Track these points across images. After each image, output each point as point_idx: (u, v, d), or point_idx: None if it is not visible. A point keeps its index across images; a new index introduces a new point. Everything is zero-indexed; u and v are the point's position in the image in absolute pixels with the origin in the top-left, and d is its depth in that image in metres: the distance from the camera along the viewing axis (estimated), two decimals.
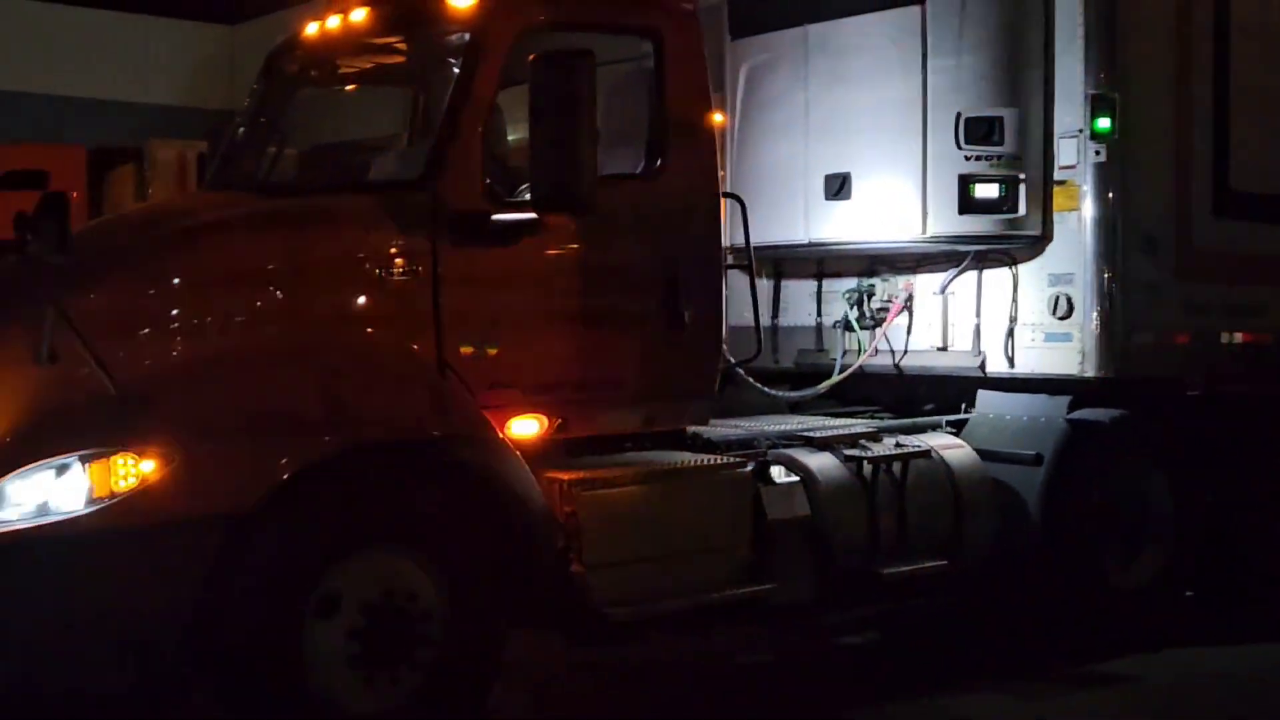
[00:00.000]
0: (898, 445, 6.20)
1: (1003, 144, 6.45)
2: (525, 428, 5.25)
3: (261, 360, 4.73)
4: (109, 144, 20.48)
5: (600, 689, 5.94)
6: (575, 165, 4.83)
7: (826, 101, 6.67)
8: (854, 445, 6.10)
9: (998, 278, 6.75)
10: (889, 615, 6.66)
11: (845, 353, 7.02)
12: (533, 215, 5.07)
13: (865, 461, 5.99)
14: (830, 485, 5.85)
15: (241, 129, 6.14)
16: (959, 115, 6.41)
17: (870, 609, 6.36)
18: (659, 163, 5.52)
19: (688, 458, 5.65)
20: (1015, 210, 6.48)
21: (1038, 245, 6.61)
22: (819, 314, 7.28)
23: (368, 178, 5.56)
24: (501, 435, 5.09)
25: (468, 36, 5.29)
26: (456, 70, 5.30)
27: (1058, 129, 6.53)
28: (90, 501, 4.40)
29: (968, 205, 6.44)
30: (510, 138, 5.58)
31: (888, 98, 6.52)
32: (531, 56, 4.88)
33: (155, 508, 4.40)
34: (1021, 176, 6.48)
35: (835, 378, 6.89)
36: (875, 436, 6.27)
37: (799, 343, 7.33)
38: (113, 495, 4.40)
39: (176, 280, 4.74)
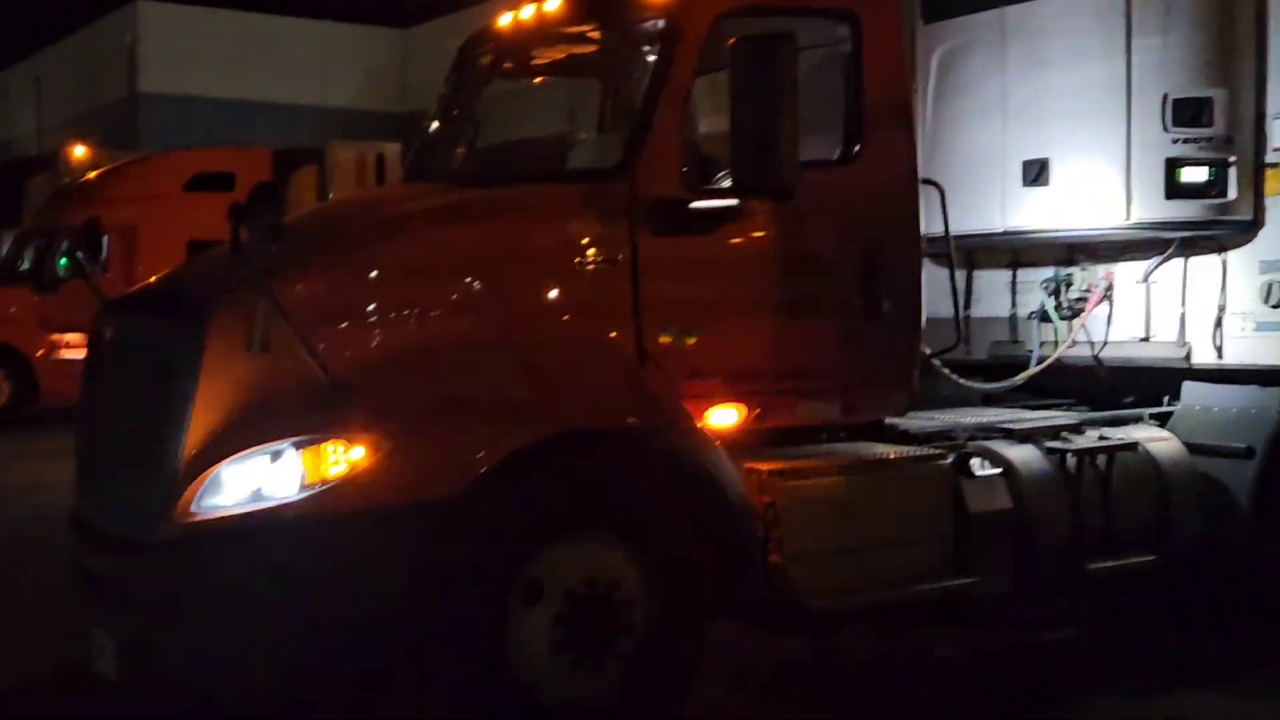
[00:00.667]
0: (1101, 438, 6.02)
1: (1212, 126, 6.19)
2: (724, 417, 5.22)
3: (466, 348, 4.78)
4: (291, 146, 21.09)
5: (796, 682, 5.86)
6: (777, 151, 4.78)
7: (1025, 85, 6.50)
8: (1056, 438, 5.95)
9: (1204, 265, 6.49)
10: (1090, 611, 6.44)
11: (1042, 344, 6.84)
12: (732, 202, 5.04)
13: (1069, 454, 5.82)
14: (1033, 478, 5.70)
15: (435, 122, 6.23)
16: (1166, 97, 6.18)
17: (1072, 604, 6.15)
18: (856, 148, 5.44)
19: (887, 449, 5.56)
20: (1225, 194, 6.23)
21: (1249, 231, 6.33)
22: (1013, 304, 7.10)
23: (565, 168, 5.58)
24: (701, 425, 5.07)
25: (664, 23, 5.27)
26: (652, 58, 5.30)
27: (1270, 110, 6.25)
28: (303, 488, 4.50)
29: (1174, 190, 6.20)
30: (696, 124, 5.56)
31: (1089, 80, 6.32)
32: (732, 41, 4.84)
33: (365, 494, 4.49)
34: (1232, 159, 6.22)
35: (1033, 369, 6.71)
36: (1077, 429, 6.10)
37: (992, 334, 7.16)
38: (324, 482, 4.49)
39: (383, 270, 4.82)
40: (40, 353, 18.35)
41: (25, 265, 19.19)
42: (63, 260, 17.96)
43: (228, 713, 4.83)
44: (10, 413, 18.14)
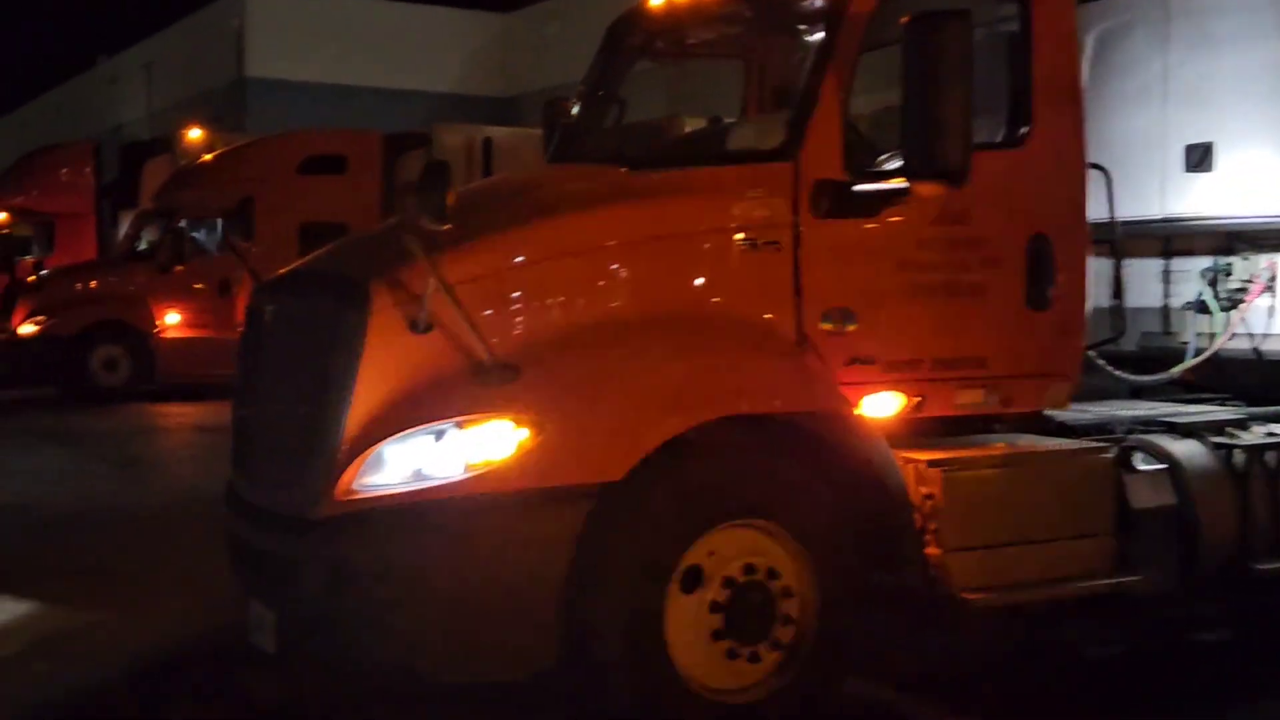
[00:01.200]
0: (1270, 434, 5.82)
1: None
2: (881, 405, 5.11)
3: (629, 330, 4.72)
4: (401, 130, 21.23)
5: (942, 677, 5.74)
6: (950, 132, 4.65)
7: (1189, 66, 6.31)
8: (1221, 433, 5.76)
9: None
10: (1252, 611, 6.24)
11: (1197, 335, 6.64)
12: (898, 185, 4.92)
13: (1236, 450, 5.63)
14: (1199, 474, 5.52)
15: (581, 103, 6.17)
16: None
17: (1234, 603, 5.96)
18: (1023, 131, 5.29)
19: (1048, 442, 5.41)
20: None
21: None
22: (1166, 294, 6.90)
23: (725, 149, 5.49)
24: (860, 412, 4.98)
25: (828, 1, 5.17)
26: (814, 36, 5.20)
27: None
28: (466, 468, 4.48)
29: None
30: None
31: (1259, 61, 6.11)
32: (906, 18, 4.72)
33: (528, 475, 4.45)
34: None
35: (1189, 361, 6.52)
36: (1243, 424, 5.90)
37: (1142, 325, 6.96)
38: (488, 462, 4.46)
39: (548, 249, 4.77)
40: (157, 331, 18.68)
41: (143, 245, 19.54)
42: None
43: (387, 690, 4.83)
44: (128, 389, 18.47)
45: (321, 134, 20.98)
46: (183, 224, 19.01)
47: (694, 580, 4.63)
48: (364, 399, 4.61)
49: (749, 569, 4.70)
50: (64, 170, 22.77)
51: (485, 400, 4.53)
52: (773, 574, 4.74)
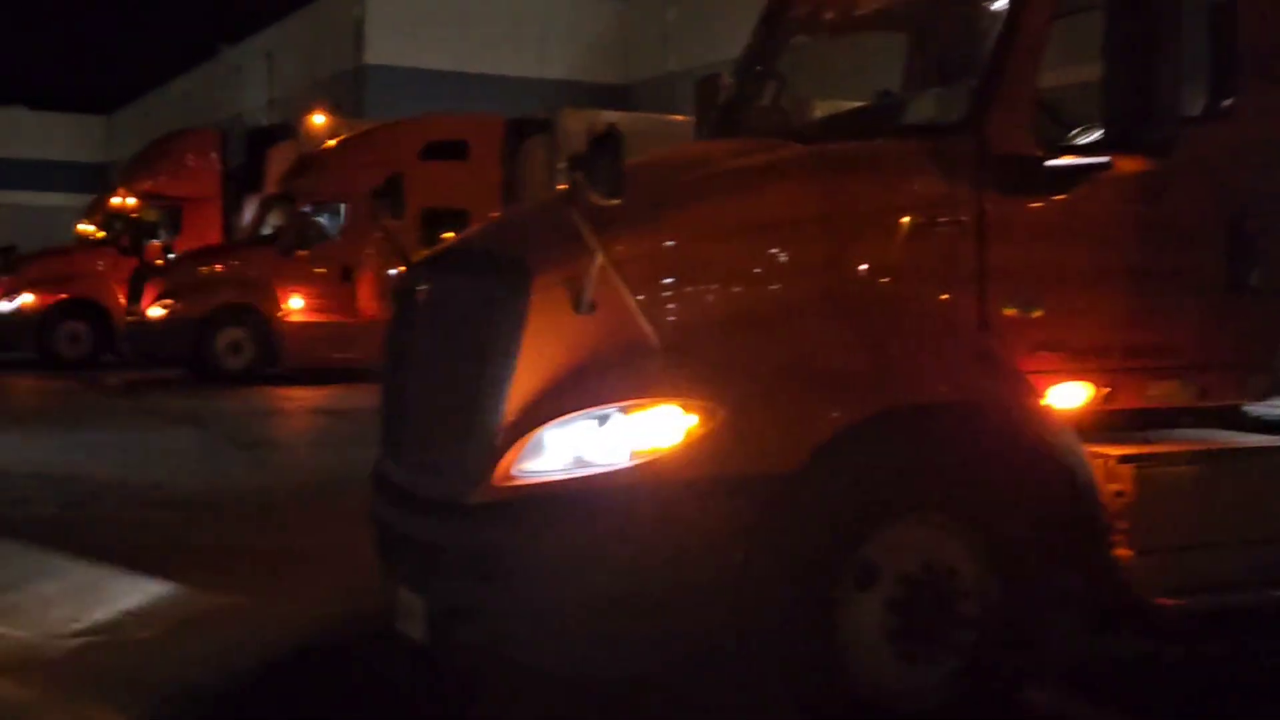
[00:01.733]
0: None
1: None
2: (1068, 396, 4.78)
3: (802, 312, 4.46)
4: (524, 115, 21.14)
5: (1124, 685, 5.39)
6: (1159, 99, 4.32)
7: None
8: None
9: None
10: None
11: None
12: (1094, 160, 4.59)
13: None
14: None
15: (741, 78, 5.92)
16: None
17: None
18: (1229, 103, 4.92)
19: (1247, 437, 5.05)
20: None
21: None
22: None
23: (903, 121, 5.20)
24: (1046, 403, 4.66)
25: None
26: (999, 4, 4.88)
27: None
28: (631, 455, 4.25)
29: None
30: None
31: None
32: None
33: (697, 464, 4.21)
34: None
35: None
36: None
37: None
38: (654, 450, 4.23)
39: (719, 227, 4.53)
40: (281, 315, 18.81)
41: (267, 230, 19.69)
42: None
43: (537, 682, 4.64)
44: (251, 373, 18.63)
45: (444, 119, 21.00)
46: (306, 209, 19.13)
47: (869, 577, 4.36)
48: (523, 382, 4.41)
49: (927, 566, 4.42)
50: (191, 156, 23.06)
51: (652, 384, 4.30)
52: (952, 572, 4.45)
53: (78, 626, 5.95)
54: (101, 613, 6.17)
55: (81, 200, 40.48)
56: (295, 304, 18.96)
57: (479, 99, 32.01)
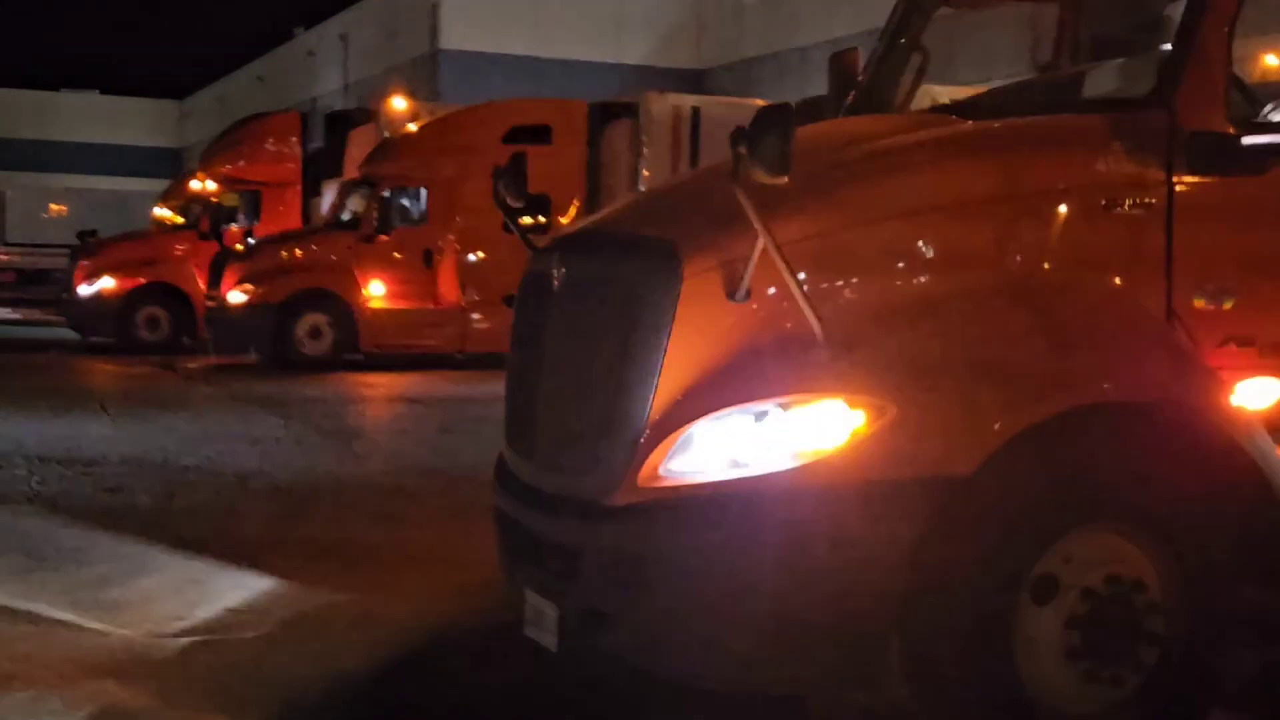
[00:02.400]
0: None
1: None
2: (1261, 393, 4.38)
3: (978, 302, 4.10)
4: (607, 99, 20.85)
5: None
6: None
7: None
8: None
9: None
10: None
11: None
12: None
13: None
14: None
15: (883, 52, 5.56)
16: None
17: None
18: None
19: None
20: None
21: None
22: None
23: (1081, 95, 4.82)
24: (1237, 402, 4.27)
25: None
26: None
27: None
28: (792, 455, 3.92)
29: None
30: None
31: None
32: None
33: (866, 466, 3.87)
34: None
35: None
36: None
37: None
38: (818, 450, 3.90)
39: (889, 208, 4.17)
40: (361, 300, 18.64)
41: (347, 215, 19.53)
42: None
43: (679, 697, 4.33)
44: (331, 359, 18.49)
45: (527, 103, 20.77)
46: (387, 194, 18.94)
47: (1048, 591, 4.01)
48: (672, 374, 4.10)
49: (1112, 579, 4.05)
50: (271, 140, 22.95)
51: (814, 378, 3.96)
52: (1139, 586, 4.08)
53: (183, 625, 5.72)
54: (206, 610, 5.94)
55: (155, 185, 40.80)
56: (376, 290, 18.79)
57: (553, 84, 31.85)
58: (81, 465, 9.82)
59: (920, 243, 4.13)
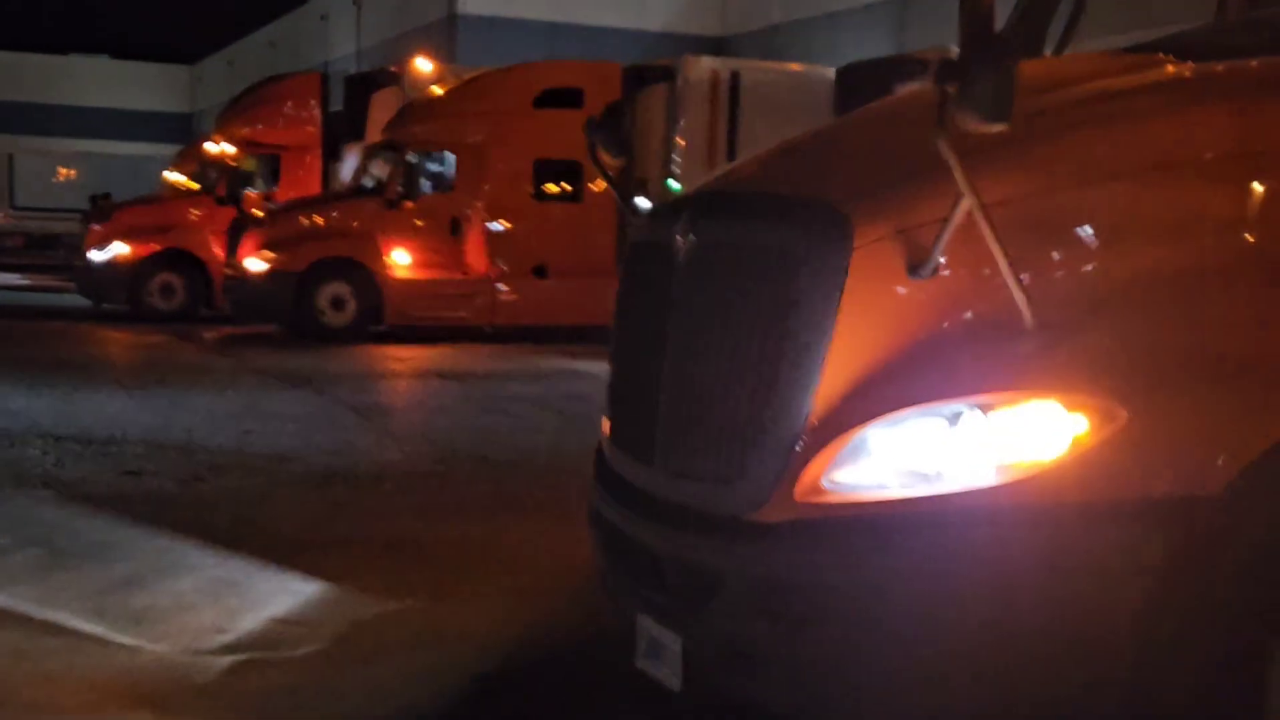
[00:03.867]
0: None
1: None
2: None
3: (1228, 281, 3.34)
4: (641, 62, 20.07)
5: None
6: None
7: None
8: None
9: None
10: None
11: None
12: None
13: None
14: None
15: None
16: None
17: None
18: None
19: None
20: None
21: None
22: None
23: None
24: None
25: None
26: None
27: None
28: (996, 469, 3.19)
29: None
30: None
31: None
32: None
33: (1091, 483, 3.13)
34: None
35: None
36: None
37: None
38: (1031, 463, 3.16)
39: (1118, 164, 3.41)
40: (387, 270, 17.92)
41: (370, 181, 18.78)
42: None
43: None
44: (354, 330, 17.79)
45: (559, 66, 19.99)
46: (413, 159, 18.19)
47: None
48: (837, 365, 3.36)
49: None
50: (290, 102, 22.17)
51: (1022, 373, 3.23)
52: None
53: (224, 640, 5.01)
54: (249, 620, 5.23)
55: (165, 150, 40.07)
56: (401, 259, 18.06)
57: (573, 50, 31.04)
58: (99, 444, 9.11)
59: (1154, 208, 3.38)
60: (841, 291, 3.35)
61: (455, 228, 18.30)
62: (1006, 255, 3.19)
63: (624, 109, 8.40)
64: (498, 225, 18.46)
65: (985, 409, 3.20)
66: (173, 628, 5.10)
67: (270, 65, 44.96)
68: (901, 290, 3.35)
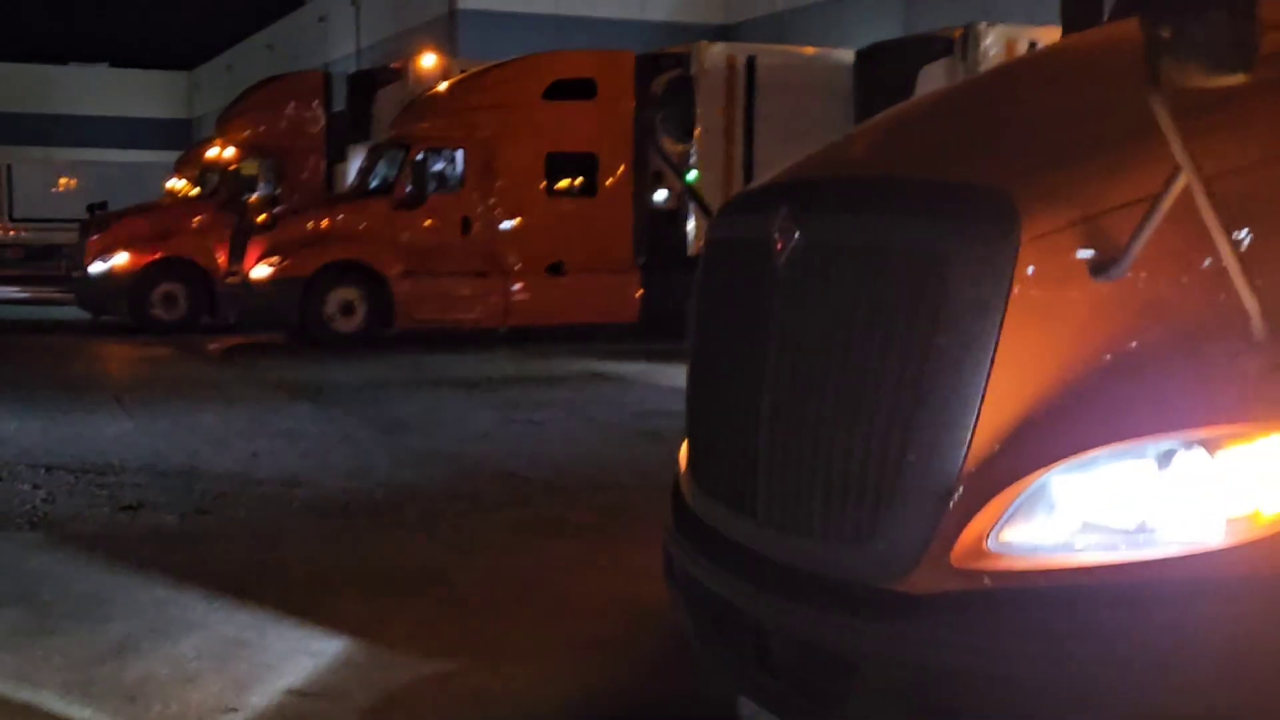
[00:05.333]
0: None
1: None
2: None
3: None
4: (654, 50, 19.33)
5: None
6: None
7: None
8: None
9: None
10: None
11: None
12: None
13: None
14: None
15: None
16: None
17: None
18: None
19: None
20: None
21: None
22: None
23: None
24: None
25: None
26: None
27: None
28: (1227, 524, 2.45)
29: None
30: None
31: None
32: None
33: None
34: None
35: None
36: None
37: None
38: (1271, 515, 2.43)
39: None
40: (396, 273, 17.19)
41: (376, 182, 18.03)
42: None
43: None
44: (365, 337, 17.07)
45: (570, 56, 19.21)
46: (421, 156, 17.43)
47: None
48: (1003, 392, 2.64)
49: None
50: (293, 102, 21.40)
51: (1256, 399, 2.50)
52: None
53: None
54: (264, 693, 4.49)
55: (165, 157, 39.34)
56: (410, 261, 17.30)
57: (574, 43, 30.31)
58: (95, 474, 8.37)
59: None
60: (1007, 299, 2.63)
61: (466, 226, 17.56)
62: (1233, 246, 2.44)
63: (688, 86, 7.72)
64: (510, 223, 17.72)
65: (1208, 446, 2.47)
66: (172, 707, 4.36)
67: (269, 68, 44.22)
68: (1085, 295, 2.61)
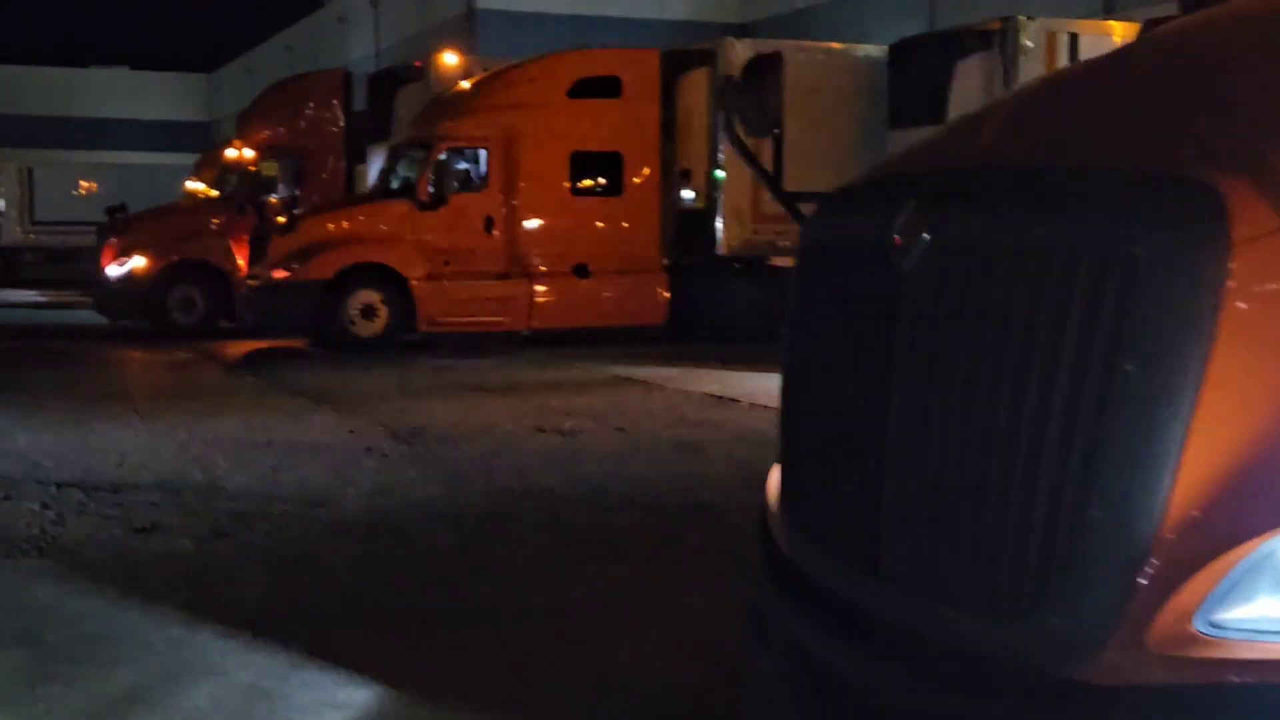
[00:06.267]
0: None
1: None
2: None
3: None
4: (680, 47, 18.85)
5: None
6: None
7: None
8: None
9: None
10: None
11: None
12: None
13: None
14: None
15: None
16: None
17: None
18: None
19: None
20: None
21: None
22: None
23: None
24: None
25: None
26: None
27: None
28: None
29: None
30: None
31: None
32: None
33: None
34: None
35: None
36: None
37: None
38: None
39: None
40: (418, 275, 16.74)
41: (397, 182, 17.58)
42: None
43: None
44: (387, 340, 16.63)
45: (594, 53, 18.75)
46: (443, 156, 16.97)
47: None
48: (1213, 432, 2.11)
49: None
50: (312, 102, 20.95)
51: None
52: None
53: None
54: None
55: (185, 159, 39.05)
56: (433, 263, 16.84)
57: (592, 43, 29.99)
58: (107, 491, 7.90)
59: None
60: (1218, 313, 2.09)
61: (489, 227, 17.10)
62: None
63: (769, 71, 7.17)
64: (534, 223, 17.25)
65: None
66: None
67: (288, 70, 43.91)
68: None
